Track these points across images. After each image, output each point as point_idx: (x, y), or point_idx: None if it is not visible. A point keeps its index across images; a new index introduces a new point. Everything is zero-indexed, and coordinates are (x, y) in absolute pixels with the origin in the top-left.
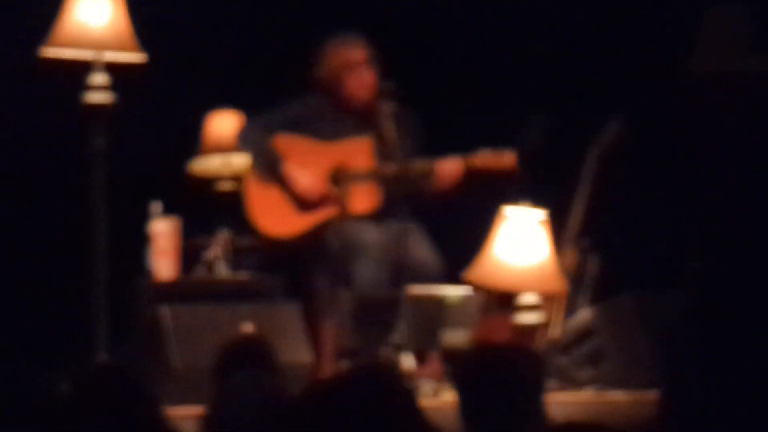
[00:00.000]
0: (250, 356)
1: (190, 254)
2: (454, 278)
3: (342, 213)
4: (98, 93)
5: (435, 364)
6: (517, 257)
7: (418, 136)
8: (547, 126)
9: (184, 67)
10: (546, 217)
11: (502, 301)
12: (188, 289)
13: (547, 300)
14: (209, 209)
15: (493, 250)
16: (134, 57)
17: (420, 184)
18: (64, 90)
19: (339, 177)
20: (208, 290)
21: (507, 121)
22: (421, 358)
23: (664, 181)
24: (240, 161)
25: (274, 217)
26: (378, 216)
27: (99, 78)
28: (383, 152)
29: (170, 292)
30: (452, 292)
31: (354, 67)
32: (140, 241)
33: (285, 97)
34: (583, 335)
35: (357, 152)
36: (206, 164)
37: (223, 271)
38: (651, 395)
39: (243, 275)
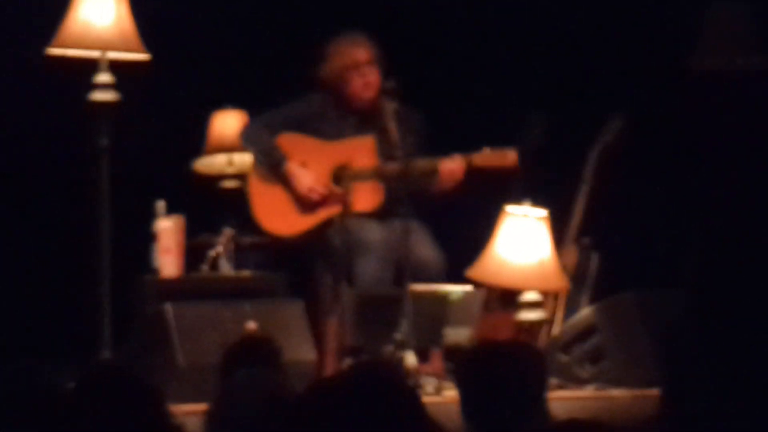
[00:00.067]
0: (254, 354)
1: (194, 252)
2: (456, 276)
3: (345, 211)
4: (103, 92)
5: (437, 361)
6: (518, 255)
7: (420, 134)
8: (547, 124)
9: (189, 67)
10: (547, 215)
11: (504, 298)
12: (192, 287)
13: (549, 298)
14: (213, 208)
15: (495, 248)
16: (138, 56)
17: (423, 183)
18: (70, 89)
19: (342, 176)
20: (212, 288)
21: (508, 120)
22: (423, 356)
23: (664, 179)
24: (244, 160)
25: (278, 215)
26: (381, 214)
27: (104, 77)
28: (386, 151)
29: (174, 290)
30: (455, 289)
31: (358, 66)
32: (145, 239)
33: (288, 97)
34: (584, 333)
35: (360, 151)
36: (210, 163)
37: (226, 269)
38: (652, 393)
39: (247, 273)
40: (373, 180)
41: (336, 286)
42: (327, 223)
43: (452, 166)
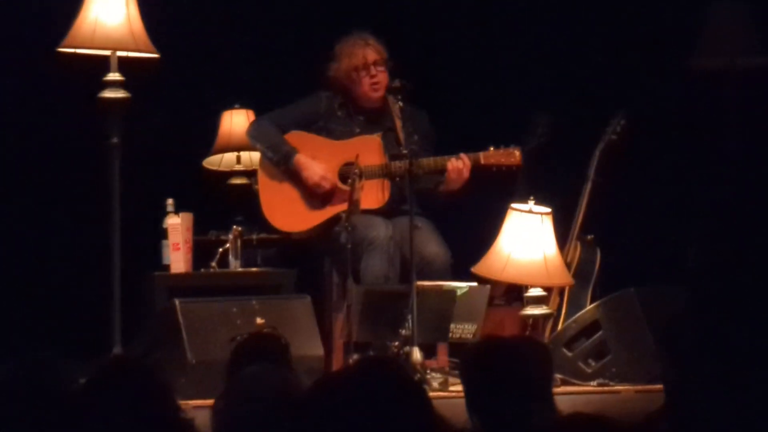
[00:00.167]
0: (262, 350)
1: (203, 249)
2: (462, 272)
3: (352, 209)
4: (113, 90)
5: (443, 356)
6: (523, 252)
7: (426, 133)
8: (551, 123)
9: (199, 66)
10: (551, 212)
11: (509, 294)
12: (201, 283)
13: (553, 294)
14: (222, 205)
15: (501, 245)
16: (148, 55)
17: (429, 181)
18: (80, 87)
19: (349, 173)
20: (221, 284)
21: (513, 119)
22: (429, 351)
23: (667, 177)
24: (252, 157)
25: (285, 212)
26: (387, 212)
27: (114, 75)
28: (393, 149)
29: (183, 286)
30: (461, 285)
31: (367, 66)
32: (154, 235)
33: (296, 96)
34: (588, 329)
35: (367, 149)
36: (219, 161)
37: (235, 265)
38: (655, 388)
39: (255, 270)
40: (380, 178)
41: (343, 282)
42: (334, 220)
43: (458, 165)
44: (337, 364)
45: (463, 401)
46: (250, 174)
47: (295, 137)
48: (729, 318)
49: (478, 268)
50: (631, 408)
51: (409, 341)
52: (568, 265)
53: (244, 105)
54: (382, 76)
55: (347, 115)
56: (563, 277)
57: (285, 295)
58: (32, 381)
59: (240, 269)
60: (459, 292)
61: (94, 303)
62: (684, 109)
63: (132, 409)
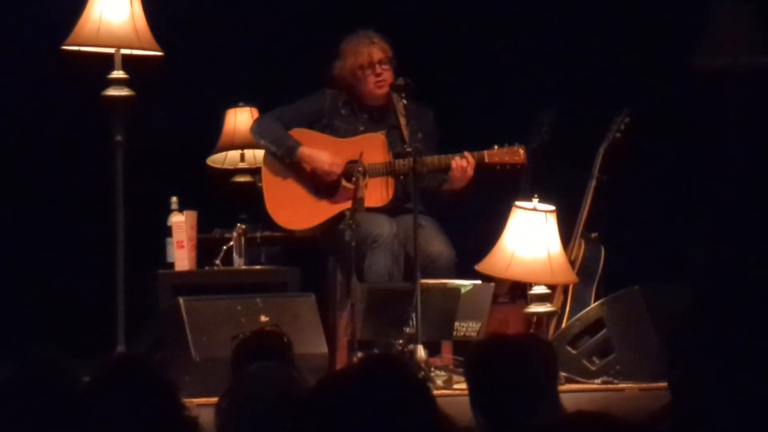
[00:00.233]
0: (264, 348)
1: (207, 247)
2: (466, 270)
3: (356, 206)
4: (117, 88)
5: (447, 354)
6: (527, 250)
7: (430, 131)
8: (555, 121)
9: (203, 64)
10: (555, 210)
11: (514, 292)
12: (205, 281)
13: (557, 292)
14: (226, 203)
15: (505, 243)
16: (152, 53)
17: (433, 180)
18: (85, 85)
19: (353, 171)
20: (225, 282)
21: (516, 118)
22: (434, 349)
23: (670, 175)
24: (256, 155)
25: (290, 209)
26: (391, 210)
27: (118, 73)
28: (397, 147)
29: (187, 284)
30: (465, 283)
31: (372, 65)
32: (158, 233)
33: (300, 93)
34: (592, 327)
35: (371, 147)
36: (223, 158)
37: (239, 263)
38: (659, 386)
39: (259, 268)
40: (384, 176)
41: (347, 280)
42: (338, 218)
43: (463, 164)
44: (341, 362)
45: (467, 399)
46: (254, 172)
47: (298, 134)
48: (733, 316)
49: (482, 266)
50: (635, 406)
51: (413, 339)
52: (572, 263)
53: (248, 103)
54: (387, 75)
55: (351, 113)
56: (567, 275)
57: (289, 293)
58: (36, 379)
59: (244, 267)
60: (463, 290)
61: (98, 301)
62: (687, 108)
63: (136, 408)
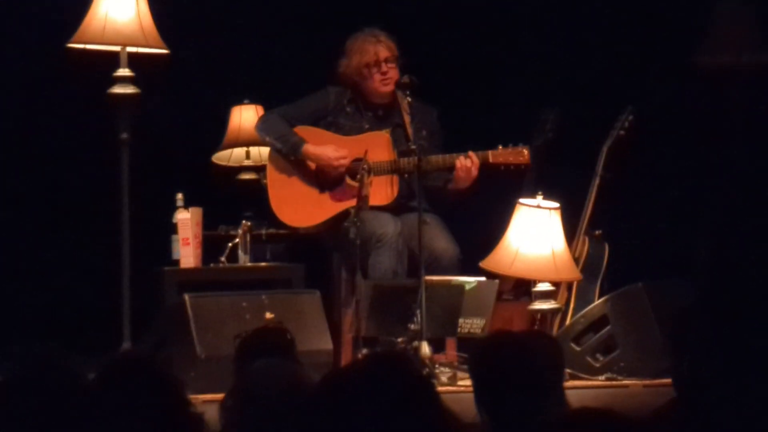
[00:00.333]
0: (268, 345)
1: (212, 244)
2: (470, 267)
3: (360, 205)
4: (123, 85)
5: (452, 351)
6: (531, 247)
7: (434, 129)
8: (559, 119)
9: (209, 62)
10: (559, 207)
11: (518, 289)
12: (210, 278)
13: (561, 288)
14: (231, 199)
15: (509, 240)
16: (157, 51)
17: (438, 179)
18: (90, 83)
19: (357, 169)
20: (230, 279)
21: (520, 116)
22: (438, 346)
23: (674, 172)
24: (261, 152)
25: (294, 207)
26: (396, 208)
27: (124, 71)
28: (401, 145)
29: (193, 281)
30: (469, 280)
31: (378, 63)
32: (164, 230)
33: (305, 91)
34: (596, 324)
35: (376, 146)
36: (229, 156)
37: (244, 260)
38: (663, 382)
39: (264, 264)
40: (388, 174)
41: (352, 277)
42: (343, 216)
43: (467, 164)
44: (345, 358)
45: (471, 396)
46: (260, 169)
47: (303, 132)
48: (737, 314)
49: (487, 263)
50: (639, 402)
51: (417, 336)
52: (576, 260)
53: (253, 100)
54: (393, 73)
55: (356, 111)
56: (571, 272)
57: (294, 290)
58: (41, 377)
59: (249, 264)
60: (467, 287)
61: (104, 298)
62: (690, 105)
63: (141, 404)
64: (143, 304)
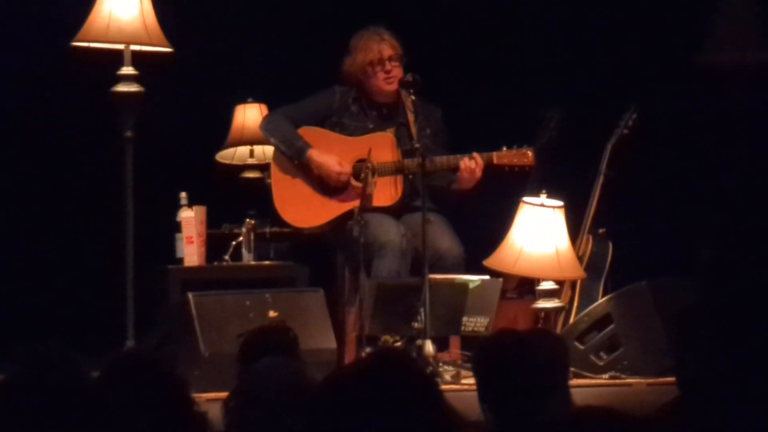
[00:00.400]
0: (274, 343)
1: (216, 242)
2: (474, 265)
3: (364, 203)
4: (127, 84)
5: (456, 349)
6: (535, 245)
7: (438, 127)
8: (563, 118)
9: (212, 60)
10: (563, 205)
11: (522, 288)
12: (214, 276)
13: (565, 287)
14: (235, 198)
15: (513, 238)
16: (161, 49)
17: (442, 180)
18: (94, 81)
19: (362, 170)
20: (234, 278)
21: (524, 115)
22: (442, 344)
23: (678, 171)
24: (265, 151)
25: (298, 207)
26: (400, 207)
27: (127, 69)
28: (405, 144)
29: (197, 279)
30: (473, 278)
31: (382, 61)
32: (168, 229)
33: (309, 89)
34: (599, 322)
35: (380, 146)
36: (232, 154)
37: (248, 258)
38: (666, 381)
39: (268, 263)
40: (393, 175)
41: (355, 276)
42: (346, 216)
43: (471, 165)
44: (349, 357)
45: (475, 394)
46: (263, 168)
47: (308, 133)
48: (740, 313)
49: (490, 262)
50: (643, 401)
51: (421, 334)
52: (580, 259)
53: (257, 99)
54: (396, 71)
55: (360, 110)
56: (575, 271)
57: (298, 288)
58: (45, 375)
59: (253, 263)
60: (471, 285)
61: (108, 296)
62: (693, 104)
63: (145, 403)
64: (147, 303)
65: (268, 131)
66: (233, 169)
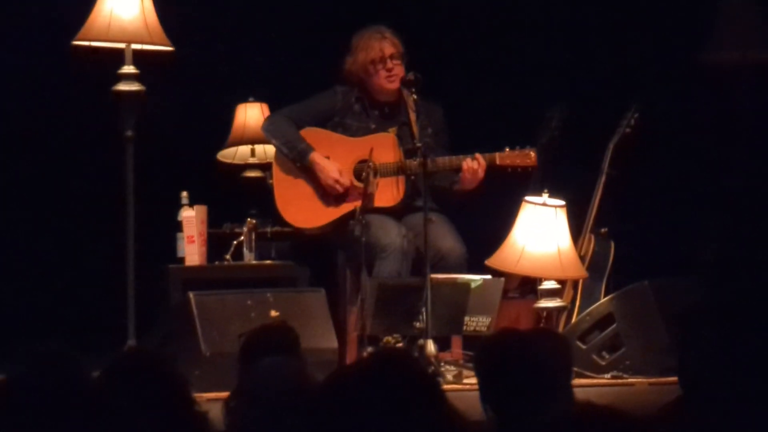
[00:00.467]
0: (275, 342)
1: (217, 242)
2: (476, 265)
3: (366, 203)
4: (128, 83)
5: (457, 349)
6: (537, 245)
7: (440, 126)
8: (565, 117)
9: (214, 59)
10: (565, 205)
11: (524, 287)
12: (215, 276)
13: (567, 286)
14: (236, 197)
15: (515, 238)
16: (162, 48)
17: (444, 180)
18: (95, 80)
19: (364, 171)
20: (235, 277)
21: (526, 114)
22: (444, 344)
23: (680, 170)
24: (266, 150)
25: (300, 208)
26: (402, 207)
27: (128, 68)
28: (407, 143)
29: (198, 279)
30: (475, 278)
31: (383, 60)
32: (169, 228)
33: (310, 89)
34: (602, 322)
35: (382, 146)
36: (234, 153)
37: (249, 258)
38: (669, 381)
39: (269, 262)
40: (395, 175)
41: (357, 275)
42: (348, 217)
43: (474, 166)
44: (351, 357)
45: (477, 394)
46: (265, 167)
47: (310, 133)
48: (744, 311)
49: (492, 261)
50: (645, 400)
51: (423, 334)
52: (582, 258)
53: (258, 98)
54: (398, 69)
55: (363, 110)
56: (577, 270)
57: (299, 288)
58: (46, 374)
59: (254, 262)
60: (473, 285)
61: (109, 295)
62: (695, 103)
63: (146, 402)
64: (148, 302)
65: (270, 133)
66: (234, 168)
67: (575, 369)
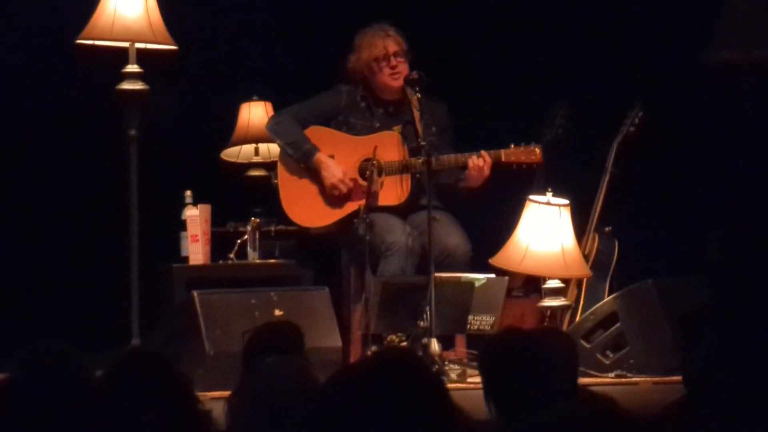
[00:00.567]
0: (279, 340)
1: (221, 240)
2: (480, 264)
3: (370, 201)
4: (131, 82)
5: (461, 347)
6: (541, 243)
7: (444, 124)
8: (569, 115)
9: (217, 58)
10: (569, 204)
11: (528, 286)
12: (219, 275)
13: (571, 285)
14: (240, 196)
15: (519, 237)
16: (166, 47)
17: (450, 178)
18: (99, 79)
19: (368, 169)
20: (239, 276)
21: (531, 113)
22: (448, 342)
23: (685, 169)
24: (270, 149)
25: (304, 207)
26: (407, 205)
27: (132, 67)
28: (411, 141)
29: (201, 277)
30: (479, 277)
31: (387, 57)
32: (173, 227)
33: (314, 87)
34: (605, 321)
35: (387, 145)
36: (237, 152)
37: (253, 257)
38: (672, 380)
39: (273, 261)
40: (399, 174)
41: (361, 274)
42: (353, 216)
43: (479, 163)
44: (355, 355)
45: (481, 393)
46: (269, 166)
47: (315, 133)
48: (749, 310)
49: (497, 260)
50: (649, 399)
51: (427, 333)
52: (586, 257)
53: (263, 97)
54: (402, 67)
55: (367, 108)
56: (581, 269)
57: (303, 287)
58: (50, 372)
59: (258, 261)
60: (477, 284)
61: (113, 294)
62: (700, 101)
63: (150, 401)
64: (152, 301)
65: (275, 132)
66: (238, 167)
67: (579, 368)
